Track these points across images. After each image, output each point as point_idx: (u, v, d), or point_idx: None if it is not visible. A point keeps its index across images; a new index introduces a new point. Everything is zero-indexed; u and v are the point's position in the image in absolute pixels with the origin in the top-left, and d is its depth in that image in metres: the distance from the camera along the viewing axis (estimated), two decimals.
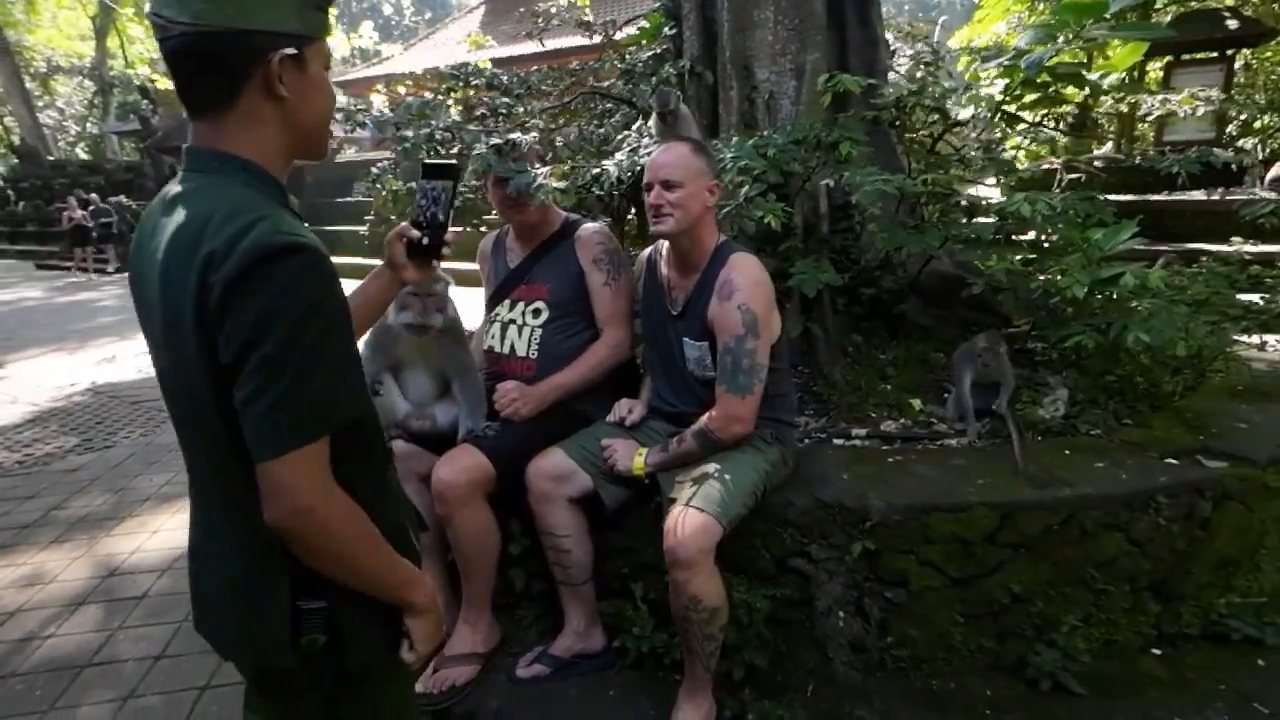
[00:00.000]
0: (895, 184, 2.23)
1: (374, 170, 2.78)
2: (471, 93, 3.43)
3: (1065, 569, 2.04)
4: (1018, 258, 2.53)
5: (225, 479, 0.95)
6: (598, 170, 2.39)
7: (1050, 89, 2.85)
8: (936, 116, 2.83)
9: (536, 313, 2.24)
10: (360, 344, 1.25)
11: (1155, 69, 9.04)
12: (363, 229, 5.64)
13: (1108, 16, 2.57)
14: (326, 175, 14.30)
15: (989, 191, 4.91)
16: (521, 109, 3.10)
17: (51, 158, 18.75)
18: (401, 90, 4.06)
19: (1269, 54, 10.45)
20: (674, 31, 3.40)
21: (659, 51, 3.46)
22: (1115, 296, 2.49)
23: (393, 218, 3.56)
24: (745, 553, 2.04)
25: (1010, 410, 2.36)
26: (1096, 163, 7.65)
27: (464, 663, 2.06)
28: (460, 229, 3.32)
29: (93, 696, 2.15)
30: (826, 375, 2.72)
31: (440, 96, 3.35)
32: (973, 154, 3.10)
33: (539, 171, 2.16)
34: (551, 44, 4.29)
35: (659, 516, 1.89)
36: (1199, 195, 6.84)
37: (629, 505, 2.10)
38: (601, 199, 3.05)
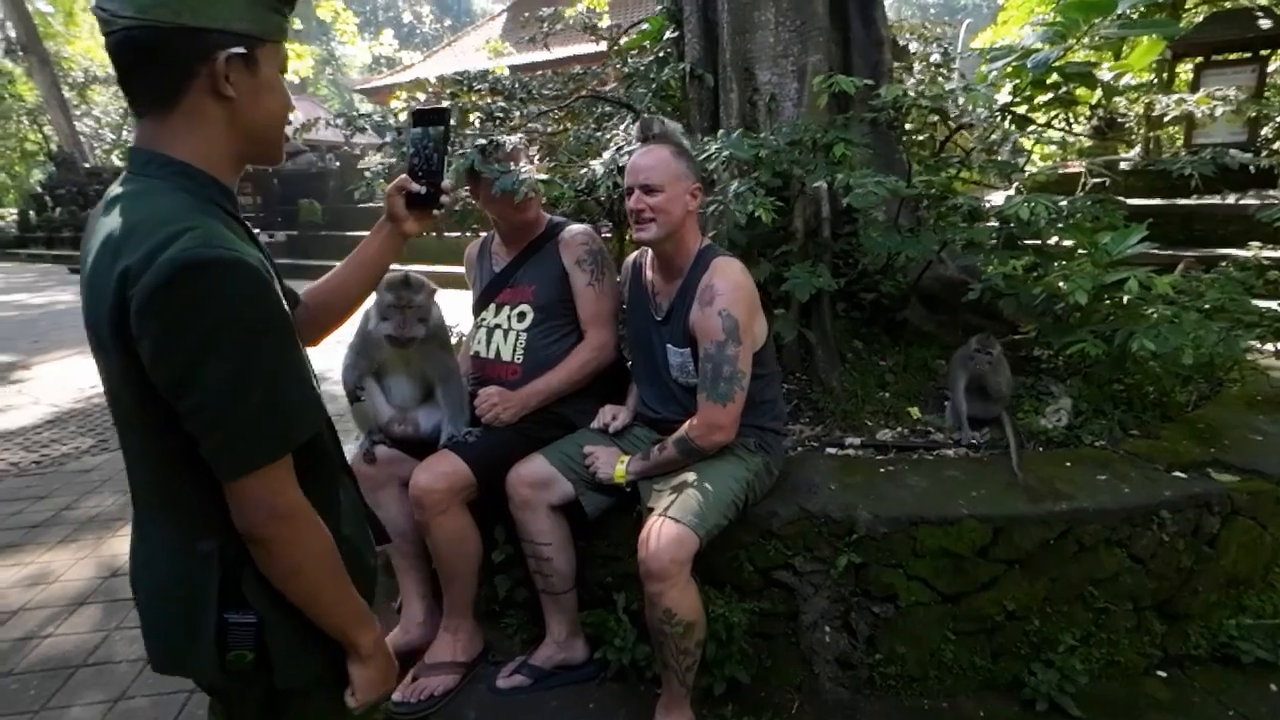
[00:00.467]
0: (888, 186, 2.17)
1: (367, 174, 2.79)
2: (475, 98, 3.44)
3: (1063, 586, 1.96)
4: (1019, 262, 2.45)
5: (156, 482, 0.94)
6: (584, 170, 2.36)
7: (1061, 89, 2.77)
8: (936, 118, 2.76)
9: (522, 316, 2.22)
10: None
11: (1186, 70, 8.78)
12: None
13: (1117, 15, 2.50)
14: (351, 180, 14.47)
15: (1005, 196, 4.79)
16: (518, 114, 3.08)
17: (88, 165, 19.13)
18: (421, 97, 4.10)
19: None
20: (675, 34, 3.38)
21: (660, 55, 3.43)
22: (1124, 303, 2.40)
23: None
24: (728, 565, 1.99)
25: (1009, 416, 2.29)
26: (1123, 165, 7.45)
27: (443, 671, 2.04)
28: (459, 233, 3.38)
29: (84, 697, 2.18)
30: (824, 382, 2.65)
31: (447, 101, 3.37)
32: (986, 157, 3.02)
33: (524, 169, 2.15)
34: (564, 51, 4.29)
35: (641, 525, 1.84)
36: (1230, 199, 6.61)
37: (611, 513, 2.06)
38: (601, 204, 3.03)
